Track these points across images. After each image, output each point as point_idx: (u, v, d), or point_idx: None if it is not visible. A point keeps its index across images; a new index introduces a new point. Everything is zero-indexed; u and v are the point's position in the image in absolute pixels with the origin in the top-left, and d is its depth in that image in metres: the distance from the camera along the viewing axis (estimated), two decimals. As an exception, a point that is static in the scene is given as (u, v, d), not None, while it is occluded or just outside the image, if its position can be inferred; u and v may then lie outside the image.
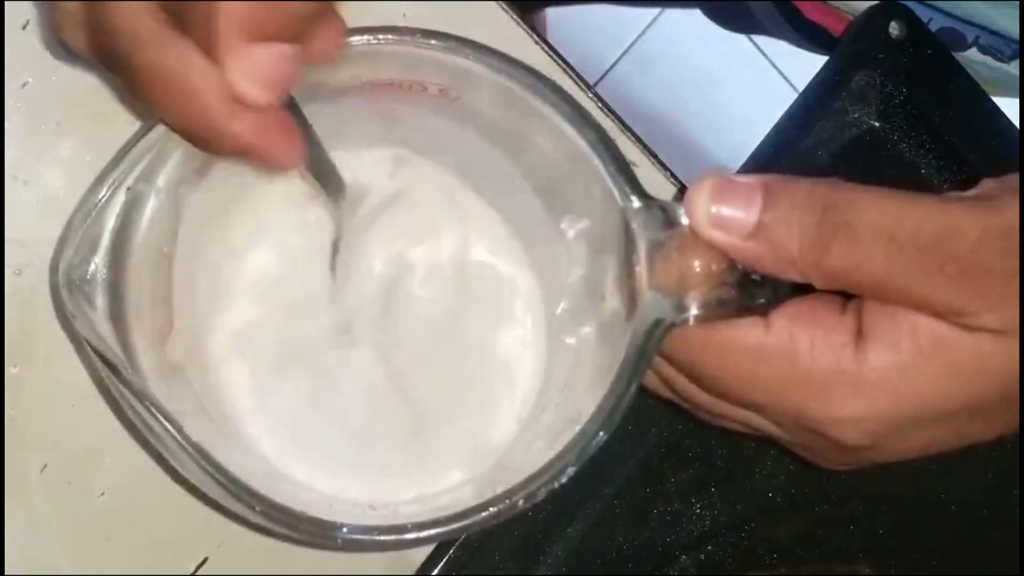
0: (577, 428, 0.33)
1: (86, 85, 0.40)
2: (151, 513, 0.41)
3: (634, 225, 0.33)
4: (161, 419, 0.31)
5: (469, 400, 0.39)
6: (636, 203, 0.33)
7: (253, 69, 0.29)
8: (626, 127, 0.45)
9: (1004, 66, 0.56)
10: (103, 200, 0.31)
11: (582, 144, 0.33)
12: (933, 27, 0.54)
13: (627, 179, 0.33)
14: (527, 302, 0.40)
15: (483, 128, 0.36)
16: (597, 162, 0.33)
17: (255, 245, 0.39)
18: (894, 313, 0.32)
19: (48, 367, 0.40)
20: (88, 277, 0.31)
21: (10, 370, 0.40)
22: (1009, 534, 0.46)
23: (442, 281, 0.40)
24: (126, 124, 0.40)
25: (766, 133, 0.45)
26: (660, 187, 0.45)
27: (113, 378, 0.31)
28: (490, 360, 0.40)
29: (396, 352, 0.39)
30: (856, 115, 0.46)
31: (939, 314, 0.32)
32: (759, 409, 0.35)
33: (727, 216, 0.32)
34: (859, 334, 0.33)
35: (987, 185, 0.34)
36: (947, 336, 0.32)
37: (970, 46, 0.55)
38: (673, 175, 0.46)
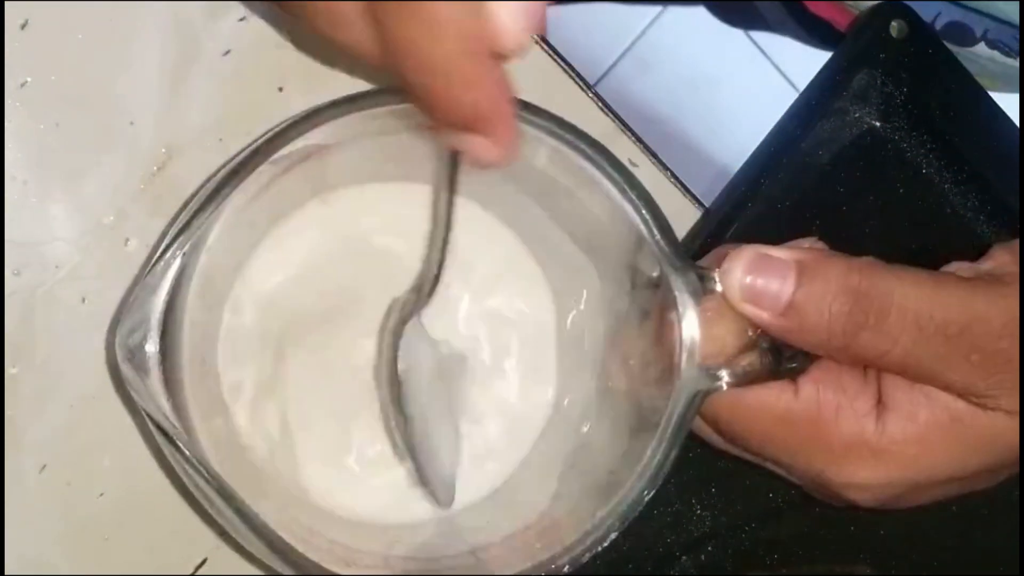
0: (614, 499, 0.34)
1: (85, 85, 0.40)
2: (151, 513, 0.41)
3: (675, 292, 0.33)
4: (218, 490, 0.32)
5: (488, 434, 0.40)
6: (676, 267, 0.34)
7: (522, 11, 0.27)
8: (626, 127, 0.45)
9: (1012, 61, 0.56)
10: (159, 270, 0.32)
11: (626, 205, 0.34)
12: (941, 22, 0.54)
13: (669, 243, 0.34)
14: (554, 347, 0.41)
15: (521, 176, 0.37)
16: (639, 222, 0.34)
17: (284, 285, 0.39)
18: (912, 384, 0.34)
19: (48, 367, 0.40)
20: (143, 346, 0.31)
21: (10, 370, 0.40)
22: (1009, 534, 0.46)
23: (472, 321, 0.40)
24: (124, 125, 0.40)
25: (766, 133, 0.45)
26: (660, 187, 0.45)
27: (171, 449, 0.32)
28: (509, 399, 0.40)
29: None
30: (857, 115, 0.46)
31: (959, 394, 0.34)
32: (779, 464, 0.36)
33: (760, 292, 0.33)
34: (880, 402, 0.34)
35: (1001, 258, 0.36)
36: (963, 412, 0.34)
37: (978, 40, 0.55)
38: (673, 175, 0.46)
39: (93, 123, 0.40)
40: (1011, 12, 0.53)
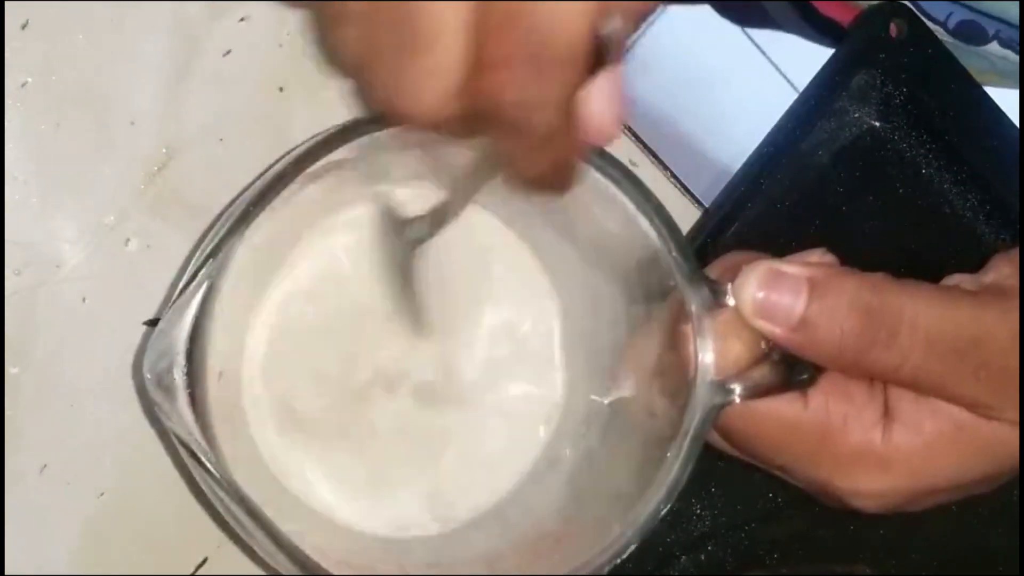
0: (632, 513, 0.34)
1: (85, 85, 0.40)
2: (151, 513, 0.42)
3: (690, 305, 0.34)
4: (248, 512, 0.32)
5: (495, 441, 0.40)
6: (690, 281, 0.34)
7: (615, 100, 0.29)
8: (626, 127, 0.45)
9: (1023, 60, 0.56)
10: (187, 295, 0.32)
11: (640, 218, 0.34)
12: (953, 21, 0.54)
13: (684, 257, 0.34)
14: (562, 356, 0.41)
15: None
16: (654, 236, 0.34)
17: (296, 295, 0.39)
18: (917, 396, 0.34)
19: (48, 367, 0.40)
20: (171, 371, 0.31)
21: (10, 370, 0.40)
22: (1009, 534, 0.46)
23: (481, 329, 0.40)
24: (125, 125, 0.40)
25: (766, 133, 0.45)
26: (660, 187, 0.45)
27: (201, 472, 0.32)
28: (517, 406, 0.40)
29: (429, 392, 0.40)
30: (856, 115, 0.46)
31: (966, 406, 0.34)
32: (787, 472, 0.37)
33: (772, 307, 0.33)
34: (886, 413, 0.35)
35: (1002, 269, 0.36)
36: (967, 423, 0.34)
37: (991, 40, 0.55)
38: (673, 175, 0.46)
39: (93, 123, 0.40)
40: (1017, 15, 0.52)
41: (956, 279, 0.36)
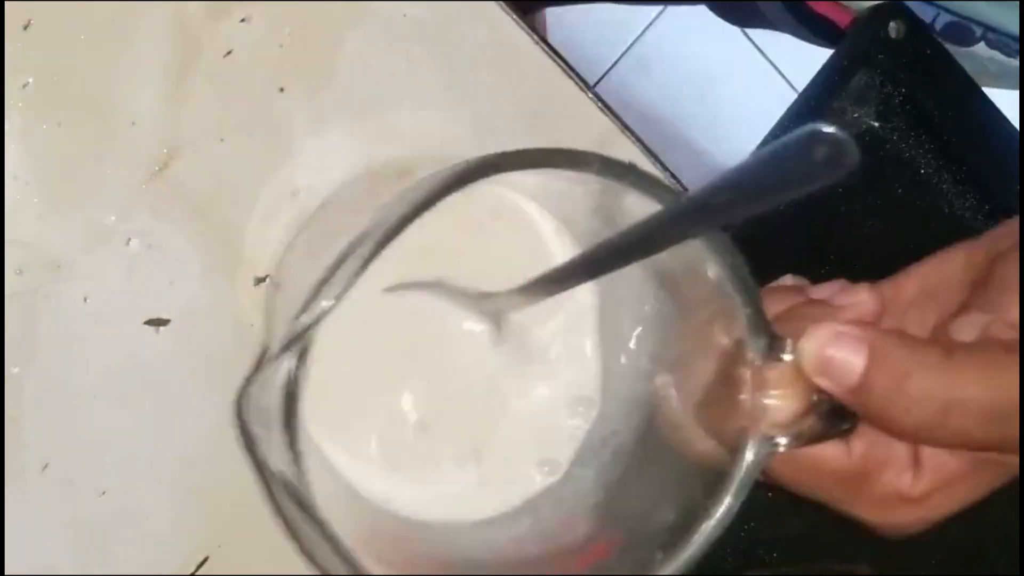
0: (677, 554, 0.35)
1: (87, 85, 0.40)
2: (151, 513, 0.42)
3: (750, 353, 0.34)
4: (294, 501, 0.32)
5: (533, 455, 0.40)
6: (755, 332, 0.34)
7: None
8: (626, 127, 0.45)
9: (1011, 61, 0.56)
10: (305, 318, 0.32)
11: (715, 267, 0.35)
12: (940, 23, 0.54)
13: (755, 310, 0.34)
14: (600, 376, 0.41)
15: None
16: (730, 288, 0.35)
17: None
18: None
19: (48, 367, 0.40)
20: (267, 409, 0.32)
21: (10, 370, 0.40)
22: (1009, 534, 0.46)
23: (527, 347, 0.40)
24: (126, 125, 0.40)
25: (766, 133, 0.46)
26: (660, 187, 0.45)
27: (282, 495, 0.32)
28: (546, 414, 0.41)
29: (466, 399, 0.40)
30: (856, 115, 0.46)
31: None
32: (817, 500, 0.38)
33: (833, 366, 0.34)
34: (915, 459, 0.37)
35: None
36: (988, 457, 0.36)
37: (978, 41, 0.55)
38: (673, 175, 0.46)
39: (95, 123, 0.40)
40: (1003, 20, 0.53)
41: (962, 321, 0.37)
